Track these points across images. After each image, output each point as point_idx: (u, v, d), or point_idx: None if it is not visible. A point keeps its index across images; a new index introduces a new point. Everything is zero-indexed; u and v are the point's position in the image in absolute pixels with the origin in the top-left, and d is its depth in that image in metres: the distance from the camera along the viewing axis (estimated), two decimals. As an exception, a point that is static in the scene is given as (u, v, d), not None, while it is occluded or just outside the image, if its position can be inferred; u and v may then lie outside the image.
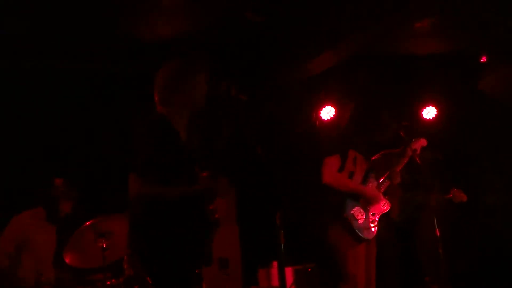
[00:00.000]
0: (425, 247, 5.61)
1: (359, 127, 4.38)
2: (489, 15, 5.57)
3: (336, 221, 4.09)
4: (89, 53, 5.90)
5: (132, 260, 4.33)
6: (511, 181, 6.99)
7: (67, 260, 4.62)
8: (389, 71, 6.70)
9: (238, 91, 3.18)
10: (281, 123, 6.70)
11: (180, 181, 2.97)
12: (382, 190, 4.29)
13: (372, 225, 4.13)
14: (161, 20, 5.47)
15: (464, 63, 6.79)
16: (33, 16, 5.10)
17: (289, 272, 6.19)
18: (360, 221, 4.08)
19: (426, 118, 6.97)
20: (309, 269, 6.18)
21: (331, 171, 4.11)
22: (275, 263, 6.40)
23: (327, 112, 6.37)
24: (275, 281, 6.34)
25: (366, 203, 4.15)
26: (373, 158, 4.64)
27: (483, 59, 6.58)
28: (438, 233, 4.72)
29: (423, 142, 4.65)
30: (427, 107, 6.98)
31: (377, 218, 4.21)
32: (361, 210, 4.11)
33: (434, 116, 6.96)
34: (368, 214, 4.15)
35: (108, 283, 4.41)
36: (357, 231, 4.05)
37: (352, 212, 4.06)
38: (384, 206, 4.22)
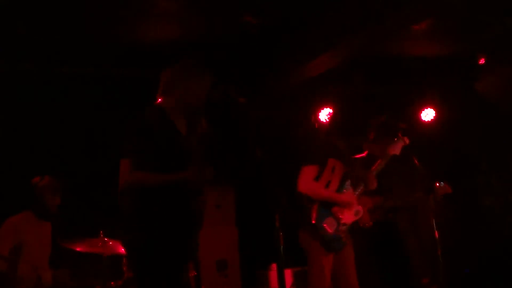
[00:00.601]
0: (424, 248, 5.62)
1: (341, 131, 4.36)
2: (487, 17, 5.58)
3: (306, 226, 4.06)
4: (87, 57, 5.91)
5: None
6: (509, 182, 7.01)
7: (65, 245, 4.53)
8: (387, 73, 6.72)
9: (237, 93, 3.20)
10: (280, 126, 6.71)
11: (170, 170, 2.95)
12: (357, 195, 4.20)
13: (342, 235, 4.07)
14: (159, 24, 5.48)
15: (462, 65, 6.81)
16: (31, 18, 5.12)
17: (288, 274, 6.20)
18: (330, 232, 4.01)
19: (424, 120, 7.00)
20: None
21: (307, 180, 4.11)
22: (274, 265, 6.42)
23: (326, 114, 6.38)
24: (274, 283, 6.35)
25: (339, 212, 4.07)
26: (355, 156, 4.63)
27: (482, 61, 6.59)
28: (436, 235, 4.73)
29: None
30: (425, 109, 7.01)
31: (347, 228, 4.12)
32: (333, 221, 4.04)
33: (432, 118, 6.99)
34: (339, 225, 4.07)
35: (108, 285, 4.40)
36: (326, 240, 4.00)
37: (324, 224, 4.01)
38: (357, 213, 4.14)
